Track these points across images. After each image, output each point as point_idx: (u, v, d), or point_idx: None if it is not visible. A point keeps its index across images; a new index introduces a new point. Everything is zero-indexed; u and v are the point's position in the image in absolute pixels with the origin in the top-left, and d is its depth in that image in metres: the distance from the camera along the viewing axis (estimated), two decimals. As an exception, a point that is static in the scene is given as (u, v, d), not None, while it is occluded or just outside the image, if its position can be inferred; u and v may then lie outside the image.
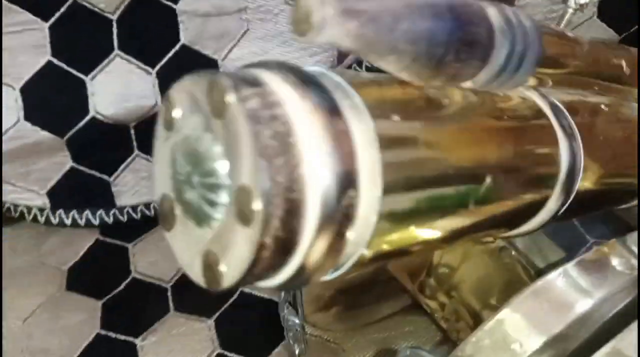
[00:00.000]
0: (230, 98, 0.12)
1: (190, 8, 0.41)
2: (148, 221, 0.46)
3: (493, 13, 0.15)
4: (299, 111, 0.12)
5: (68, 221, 0.45)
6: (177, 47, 0.42)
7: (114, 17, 0.41)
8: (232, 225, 0.12)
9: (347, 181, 0.12)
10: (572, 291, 0.17)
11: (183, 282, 0.42)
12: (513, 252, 0.27)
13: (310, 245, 0.12)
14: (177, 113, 0.14)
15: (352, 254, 0.14)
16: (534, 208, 0.18)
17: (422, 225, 0.15)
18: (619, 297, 0.17)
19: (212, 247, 0.13)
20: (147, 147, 0.45)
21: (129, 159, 0.45)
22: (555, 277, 0.18)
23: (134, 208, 0.46)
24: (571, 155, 0.18)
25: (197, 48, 0.43)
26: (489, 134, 0.17)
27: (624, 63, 0.21)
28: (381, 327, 0.38)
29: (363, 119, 0.13)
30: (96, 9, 0.40)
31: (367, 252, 0.14)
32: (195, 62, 0.43)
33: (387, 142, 0.13)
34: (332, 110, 0.13)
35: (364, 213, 0.13)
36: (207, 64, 0.43)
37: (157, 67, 0.42)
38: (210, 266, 0.13)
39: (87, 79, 0.42)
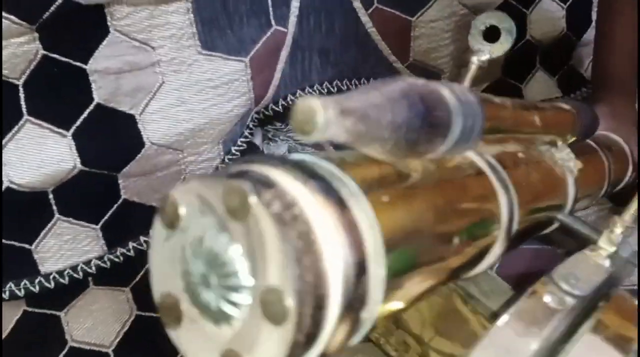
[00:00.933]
0: (253, 201, 0.12)
1: (102, 67, 0.41)
2: (77, 285, 0.45)
3: (447, 94, 0.17)
4: (313, 209, 0.13)
5: (-10, 297, 0.42)
6: (92, 106, 0.41)
7: (20, 83, 0.39)
8: (257, 324, 0.12)
9: (361, 268, 0.14)
10: (517, 338, 0.20)
11: (127, 345, 0.41)
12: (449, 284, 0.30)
13: (332, 333, 0.13)
14: (182, 213, 0.14)
15: (364, 329, 0.15)
16: (483, 254, 0.21)
17: (412, 287, 0.17)
18: (559, 330, 0.20)
19: (234, 346, 0.13)
20: (68, 210, 0.44)
21: (50, 224, 0.43)
22: (501, 328, 0.20)
23: (61, 273, 0.45)
24: (509, 206, 0.21)
25: (112, 105, 0.42)
26: (449, 199, 0.19)
27: (537, 118, 0.25)
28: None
29: (362, 204, 0.15)
30: (0, 76, 0.39)
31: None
32: (111, 119, 0.42)
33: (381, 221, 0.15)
34: (338, 202, 0.14)
35: (374, 293, 0.14)
36: (125, 119, 0.43)
37: (73, 128, 0.41)
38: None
39: (-4, 149, 0.40)
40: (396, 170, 0.18)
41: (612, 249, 0.25)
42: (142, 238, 0.47)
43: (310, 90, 0.53)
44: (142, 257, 0.47)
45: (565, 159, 0.29)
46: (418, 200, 0.18)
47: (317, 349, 0.13)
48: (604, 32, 0.48)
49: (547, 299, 0.21)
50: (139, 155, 0.43)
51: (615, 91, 0.47)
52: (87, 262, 0.45)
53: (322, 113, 0.12)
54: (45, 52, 0.39)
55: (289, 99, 0.52)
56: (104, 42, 0.40)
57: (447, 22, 0.54)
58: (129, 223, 0.46)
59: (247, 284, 0.13)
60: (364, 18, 0.52)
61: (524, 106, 0.24)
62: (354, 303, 0.13)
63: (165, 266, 0.14)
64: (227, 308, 0.13)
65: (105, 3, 0.39)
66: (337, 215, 0.13)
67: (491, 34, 0.29)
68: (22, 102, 0.40)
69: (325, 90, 0.54)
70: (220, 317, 0.13)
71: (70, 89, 0.41)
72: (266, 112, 0.52)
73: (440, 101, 0.17)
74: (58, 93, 0.41)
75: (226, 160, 0.50)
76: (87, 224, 0.45)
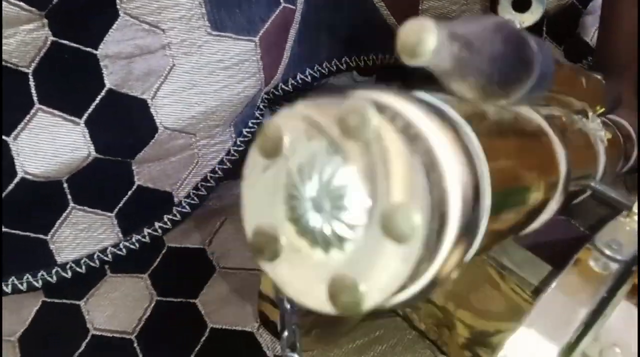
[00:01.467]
0: (376, 118, 0.12)
1: (112, 52, 0.40)
2: (94, 274, 0.45)
3: (529, 37, 0.17)
4: (431, 129, 0.13)
5: (8, 289, 0.42)
6: (103, 92, 0.41)
7: (30, 71, 0.38)
8: (375, 245, 0.12)
9: (476, 192, 0.13)
10: (567, 307, 0.20)
11: (149, 331, 0.41)
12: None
13: (447, 256, 0.13)
14: (286, 139, 0.13)
15: (467, 258, 0.15)
16: (540, 209, 0.21)
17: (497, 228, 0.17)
18: (603, 295, 0.21)
19: (347, 270, 0.12)
20: (82, 199, 0.43)
21: (65, 213, 0.43)
22: (549, 299, 0.21)
23: (77, 262, 0.44)
24: (567, 163, 0.21)
25: (124, 91, 0.41)
26: (527, 146, 0.19)
27: (583, 81, 0.25)
28: (353, 337, 0.40)
29: (470, 134, 0.15)
30: (9, 64, 0.38)
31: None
32: (124, 104, 0.42)
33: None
34: (452, 127, 0.13)
35: (483, 220, 0.14)
36: (137, 104, 0.42)
37: (85, 115, 0.40)
38: (346, 289, 0.12)
39: (9, 139, 0.39)
40: (484, 111, 0.18)
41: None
42: (157, 224, 0.47)
43: (320, 68, 0.52)
44: (157, 243, 0.47)
45: (596, 129, 0.29)
46: (508, 140, 0.18)
47: (431, 271, 0.13)
48: (608, 16, 0.48)
49: (592, 264, 0.22)
50: (153, 140, 0.43)
51: (616, 75, 0.47)
52: (103, 250, 0.45)
53: (435, 34, 0.12)
54: (54, 39, 0.38)
55: (298, 78, 0.52)
56: (114, 26, 0.39)
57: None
58: (144, 209, 0.46)
59: (365, 204, 0.12)
60: (375, -6, 0.52)
61: (572, 67, 0.24)
62: (469, 227, 0.13)
63: (263, 197, 0.14)
64: (341, 231, 0.12)
65: (114, -14, 0.38)
66: (453, 138, 0.13)
67: (519, 4, 0.29)
68: (33, 91, 0.39)
69: (335, 68, 0.53)
70: (330, 242, 0.13)
71: (81, 75, 0.40)
72: (276, 92, 0.51)
73: (527, 42, 0.17)
74: (69, 80, 0.40)
75: (238, 143, 0.49)
76: (102, 212, 0.44)
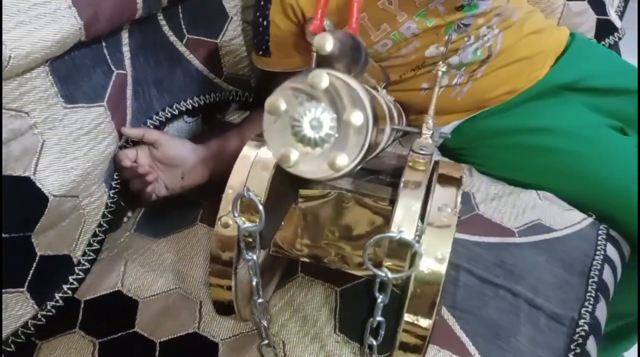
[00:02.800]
0: (329, 77, 0.25)
1: (-10, 140, 0.44)
2: (26, 348, 0.47)
3: (360, 40, 0.31)
4: (351, 80, 0.25)
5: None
6: (-10, 179, 0.44)
7: None
8: (345, 135, 0.25)
9: (374, 109, 0.26)
10: (413, 193, 0.36)
11: None
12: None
13: (372, 133, 0.25)
14: (281, 104, 0.25)
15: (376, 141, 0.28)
16: (381, 137, 0.36)
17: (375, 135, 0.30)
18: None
19: (335, 150, 0.25)
20: (-8, 283, 0.45)
21: (-23, 303, 0.45)
22: (403, 197, 0.36)
23: (6, 343, 0.46)
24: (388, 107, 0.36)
25: (8, 173, 0.45)
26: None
27: (374, 66, 0.41)
28: (273, 304, 0.50)
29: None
30: None
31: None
32: (12, 185, 0.45)
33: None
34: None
35: (375, 121, 0.27)
36: (23, 183, 0.46)
37: (-21, 204, 0.44)
38: (337, 157, 0.25)
39: None
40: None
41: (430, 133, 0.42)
42: (64, 287, 0.51)
43: (157, 117, 0.61)
44: (73, 302, 0.51)
45: (385, 96, 0.46)
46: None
47: (368, 140, 0.26)
48: None
49: (417, 165, 0.38)
50: (47, 209, 0.47)
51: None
52: (25, 325, 0.48)
53: (331, 39, 0.25)
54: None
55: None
56: (-13, 118, 0.44)
57: (242, 37, 0.68)
58: (49, 277, 0.50)
59: (334, 118, 0.25)
60: (182, 48, 0.63)
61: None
62: (375, 122, 0.26)
63: (278, 137, 0.25)
64: (326, 135, 0.25)
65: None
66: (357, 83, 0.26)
67: None
68: None
69: (169, 114, 0.62)
70: (323, 141, 0.25)
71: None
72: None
73: (360, 42, 0.30)
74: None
75: (111, 195, 0.55)
76: (14, 290, 0.47)
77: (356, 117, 0.25)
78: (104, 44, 0.55)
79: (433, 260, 0.36)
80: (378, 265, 0.47)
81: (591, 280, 0.56)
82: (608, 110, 0.66)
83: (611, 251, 0.61)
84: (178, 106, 0.63)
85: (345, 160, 0.25)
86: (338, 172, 0.25)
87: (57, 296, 0.50)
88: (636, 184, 0.59)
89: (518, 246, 0.58)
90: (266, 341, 0.42)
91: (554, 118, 0.64)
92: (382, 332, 0.39)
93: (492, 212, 0.63)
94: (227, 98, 0.69)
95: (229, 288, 0.41)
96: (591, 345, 0.52)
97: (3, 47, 0.42)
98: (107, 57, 0.55)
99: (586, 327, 0.52)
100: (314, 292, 0.52)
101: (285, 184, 0.43)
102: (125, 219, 0.60)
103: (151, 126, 0.60)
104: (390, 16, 0.60)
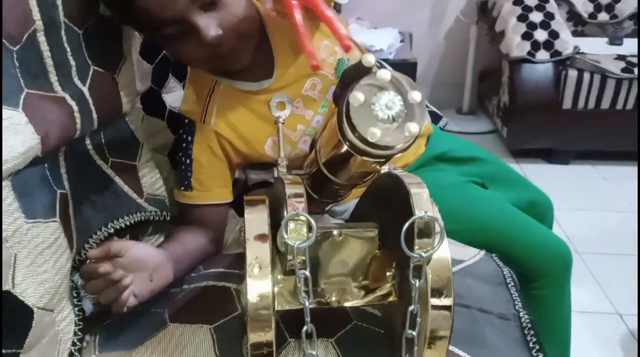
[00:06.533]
0: (392, 74, 0.34)
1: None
2: None
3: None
4: (403, 76, 0.35)
5: None
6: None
7: None
8: (412, 111, 0.35)
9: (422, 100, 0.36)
10: None
11: None
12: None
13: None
14: (360, 96, 0.33)
15: None
16: None
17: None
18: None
19: (407, 121, 0.34)
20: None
21: None
22: None
23: None
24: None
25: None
26: None
27: None
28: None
29: None
30: None
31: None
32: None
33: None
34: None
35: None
36: (7, 298, 0.43)
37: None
38: (410, 127, 0.34)
39: None
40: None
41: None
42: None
43: (96, 236, 0.60)
44: None
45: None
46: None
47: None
48: None
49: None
50: (34, 322, 0.44)
51: None
52: None
53: (373, 56, 0.35)
54: None
55: (86, 247, 0.59)
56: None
57: (158, 157, 0.72)
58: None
59: (401, 100, 0.34)
60: (108, 170, 0.65)
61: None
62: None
63: (362, 117, 0.34)
64: (398, 112, 0.34)
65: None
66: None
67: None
68: None
69: (106, 234, 0.62)
70: (398, 117, 0.34)
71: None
72: (81, 257, 0.56)
73: None
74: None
75: (77, 312, 0.52)
76: None
77: (416, 95, 0.34)
78: (46, 164, 0.55)
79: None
80: (370, 291, 0.53)
81: (509, 285, 0.69)
82: (469, 172, 0.85)
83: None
84: (112, 225, 0.63)
85: (416, 127, 0.34)
86: (413, 136, 0.34)
87: None
88: (504, 220, 0.77)
89: (448, 276, 0.69)
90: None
91: (435, 179, 0.79)
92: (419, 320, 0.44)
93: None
94: (148, 218, 0.71)
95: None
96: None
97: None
98: (49, 177, 0.55)
99: (527, 317, 0.63)
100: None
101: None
102: (84, 344, 0.55)
103: (93, 246, 0.59)
104: (301, 117, 0.72)
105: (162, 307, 0.58)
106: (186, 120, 0.70)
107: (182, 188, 0.70)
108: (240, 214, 0.78)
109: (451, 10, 2.34)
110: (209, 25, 0.58)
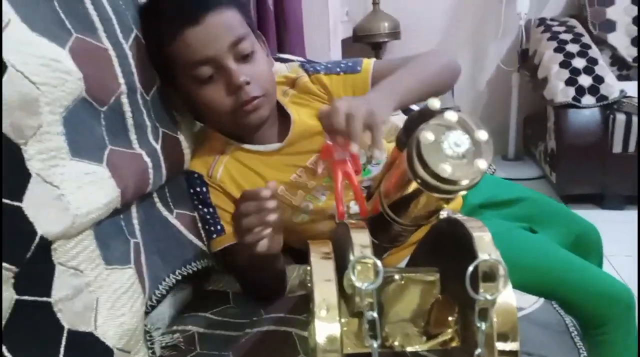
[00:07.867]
0: (459, 116, 0.37)
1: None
2: None
3: None
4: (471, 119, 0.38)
5: None
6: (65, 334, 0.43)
7: None
8: (477, 151, 0.37)
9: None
10: None
11: None
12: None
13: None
14: (429, 135, 0.36)
15: None
16: None
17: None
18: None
19: (474, 158, 0.37)
20: None
21: None
22: None
23: None
24: None
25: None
26: None
27: None
28: None
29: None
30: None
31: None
32: (82, 341, 0.45)
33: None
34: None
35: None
36: (89, 338, 0.45)
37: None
38: (478, 164, 0.36)
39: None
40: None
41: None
42: None
43: (165, 283, 0.63)
44: None
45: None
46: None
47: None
48: None
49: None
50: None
51: None
52: None
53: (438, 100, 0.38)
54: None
55: (158, 294, 0.61)
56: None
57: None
58: None
59: (469, 139, 0.36)
60: (173, 221, 0.68)
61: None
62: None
63: (433, 152, 0.36)
64: (466, 150, 0.36)
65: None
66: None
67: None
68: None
69: (174, 281, 0.65)
70: (465, 154, 0.36)
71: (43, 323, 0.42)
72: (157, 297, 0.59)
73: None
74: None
75: (150, 355, 0.54)
76: None
77: (483, 134, 0.37)
78: (121, 216, 0.59)
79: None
80: (432, 336, 0.53)
81: (573, 334, 0.67)
82: (515, 215, 0.85)
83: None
84: (180, 272, 0.66)
85: (484, 164, 0.36)
86: (481, 173, 0.36)
87: None
88: (560, 267, 0.76)
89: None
90: None
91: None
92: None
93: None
94: (210, 265, 0.74)
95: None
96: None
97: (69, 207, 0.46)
98: (124, 227, 0.59)
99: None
100: None
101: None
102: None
103: (159, 295, 0.62)
104: (302, 185, 0.74)
105: (227, 351, 0.60)
106: (195, 175, 0.73)
107: (215, 235, 0.72)
108: (298, 260, 0.80)
109: (491, 60, 2.37)
110: (241, 71, 0.67)
